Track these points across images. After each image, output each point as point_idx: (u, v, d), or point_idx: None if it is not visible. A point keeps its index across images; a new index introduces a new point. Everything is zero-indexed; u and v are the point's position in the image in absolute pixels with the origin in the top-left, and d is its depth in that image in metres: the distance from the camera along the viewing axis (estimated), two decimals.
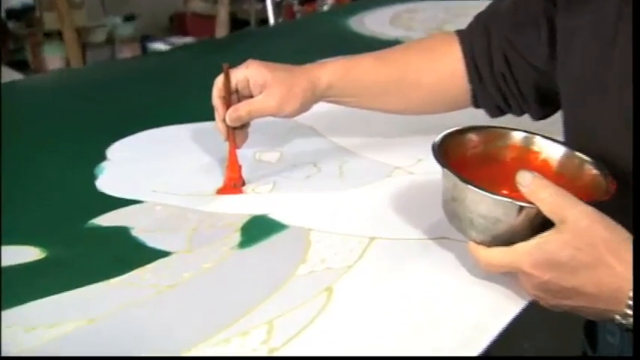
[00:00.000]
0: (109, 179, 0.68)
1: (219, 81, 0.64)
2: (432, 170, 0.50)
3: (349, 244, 0.56)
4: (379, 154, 0.73)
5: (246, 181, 0.66)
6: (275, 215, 0.61)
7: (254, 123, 0.67)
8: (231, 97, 0.64)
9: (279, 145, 0.76)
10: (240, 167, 0.65)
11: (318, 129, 0.80)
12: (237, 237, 0.57)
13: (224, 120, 0.64)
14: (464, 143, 0.53)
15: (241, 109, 0.64)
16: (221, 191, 0.65)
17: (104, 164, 0.71)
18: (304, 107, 0.65)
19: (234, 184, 0.65)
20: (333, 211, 0.62)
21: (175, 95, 0.92)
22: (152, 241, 0.57)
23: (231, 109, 0.64)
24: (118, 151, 0.75)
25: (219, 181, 0.67)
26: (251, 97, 0.64)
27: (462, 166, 0.49)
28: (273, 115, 0.65)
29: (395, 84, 0.66)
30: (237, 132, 0.65)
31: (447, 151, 0.50)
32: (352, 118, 0.78)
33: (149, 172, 0.70)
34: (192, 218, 0.61)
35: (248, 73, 0.63)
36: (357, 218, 0.60)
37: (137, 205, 0.63)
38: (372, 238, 0.56)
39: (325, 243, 0.56)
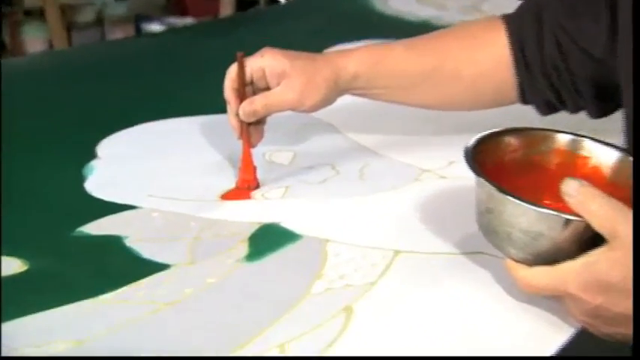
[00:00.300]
0: (99, 180, 0.68)
1: (232, 71, 0.65)
2: (467, 174, 0.50)
3: (371, 258, 0.56)
4: (406, 155, 0.73)
5: (260, 184, 0.66)
6: (287, 224, 0.61)
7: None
8: (246, 89, 0.65)
9: (292, 144, 0.76)
10: (255, 168, 0.66)
11: (337, 125, 0.80)
12: (244, 248, 0.58)
13: (237, 115, 0.65)
14: (501, 147, 0.53)
15: (257, 102, 0.64)
16: (229, 195, 0.65)
17: (93, 163, 0.72)
18: (327, 100, 0.66)
19: (247, 186, 0.66)
20: (353, 220, 0.62)
21: (174, 83, 0.93)
22: (148, 252, 0.57)
23: (245, 103, 0.64)
24: (110, 147, 0.75)
25: (225, 184, 0.67)
26: (267, 89, 0.65)
27: (499, 173, 0.49)
28: (292, 109, 0.65)
29: (430, 75, 0.67)
30: (251, 128, 0.66)
31: (482, 157, 0.50)
32: (376, 114, 0.78)
33: (145, 172, 0.70)
34: (194, 226, 0.61)
35: (264, 62, 0.64)
36: (380, 228, 0.61)
37: (131, 211, 0.63)
38: (397, 252, 0.57)
39: (344, 256, 0.57)
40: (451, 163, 0.71)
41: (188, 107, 0.83)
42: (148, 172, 0.70)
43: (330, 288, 0.52)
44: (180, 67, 0.99)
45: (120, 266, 0.55)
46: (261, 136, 0.67)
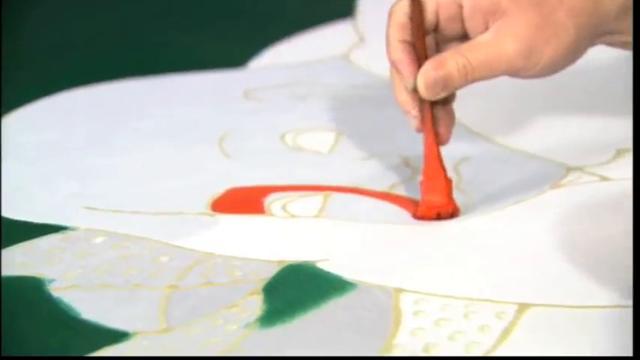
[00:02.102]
0: (5, 183, 0.68)
1: (401, 11, 0.62)
2: None
3: (479, 317, 0.53)
4: (537, 143, 0.72)
5: (460, 208, 0.64)
6: (329, 264, 0.59)
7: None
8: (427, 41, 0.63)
9: (330, 118, 0.77)
10: (450, 181, 0.63)
11: None
12: (256, 305, 0.55)
13: (413, 88, 0.62)
14: None
15: (450, 62, 0.61)
16: (420, 214, 0.64)
17: None
18: (576, 52, 0.63)
19: (435, 214, 0.63)
20: (445, 256, 0.60)
21: (132, 18, 1.00)
22: (90, 310, 0.54)
23: (428, 65, 0.61)
24: (21, 127, 0.77)
25: (220, 183, 0.67)
26: (465, 38, 0.63)
27: None
28: (513, 73, 0.63)
29: None
30: (439, 111, 0.63)
31: None
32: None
33: (80, 169, 0.71)
34: (168, 265, 0.59)
35: None
36: (494, 268, 0.59)
37: (58, 236, 0.62)
38: (524, 306, 0.54)
39: (430, 315, 0.54)
40: (618, 153, 0.69)
41: (154, 59, 0.89)
42: (84, 168, 0.71)
43: None
44: None
45: (39, 333, 0.53)
46: (452, 122, 0.64)
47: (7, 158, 0.72)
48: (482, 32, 0.62)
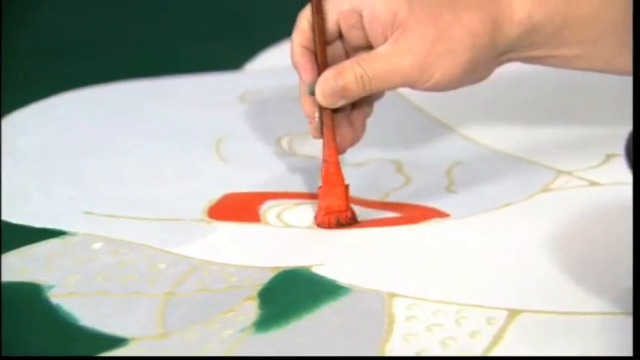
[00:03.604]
0: (3, 187, 0.68)
1: (304, 19, 0.62)
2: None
3: (469, 322, 0.53)
4: (527, 147, 0.72)
5: (357, 216, 0.64)
6: (324, 268, 0.59)
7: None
8: (328, 49, 0.63)
9: None
10: (346, 187, 0.63)
11: (411, 97, 0.80)
12: (252, 310, 0.55)
13: (313, 93, 0.62)
14: None
15: (347, 72, 0.61)
16: (320, 221, 0.63)
17: None
18: (472, 71, 0.62)
19: (335, 219, 0.63)
20: (437, 261, 0.60)
21: (128, 20, 1.00)
22: (88, 316, 0.54)
23: (327, 74, 0.61)
24: (18, 129, 0.76)
25: (217, 189, 0.67)
26: (367, 48, 0.62)
27: None
28: (409, 85, 0.62)
29: None
30: (341, 119, 0.63)
31: None
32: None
33: (79, 172, 0.70)
34: (166, 271, 0.59)
35: (360, 1, 0.61)
36: (484, 273, 0.58)
37: (57, 241, 0.62)
38: (514, 312, 0.54)
39: (421, 321, 0.53)
40: (608, 158, 0.69)
41: (151, 62, 0.88)
42: (82, 172, 0.70)
43: None
44: None
45: (39, 340, 0.53)
46: (358, 132, 0.64)
47: (6, 161, 0.72)
48: (382, 42, 0.61)
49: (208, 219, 0.64)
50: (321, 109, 0.62)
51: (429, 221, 0.64)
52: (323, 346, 0.52)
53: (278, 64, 0.90)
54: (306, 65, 0.63)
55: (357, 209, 0.65)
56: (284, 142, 0.73)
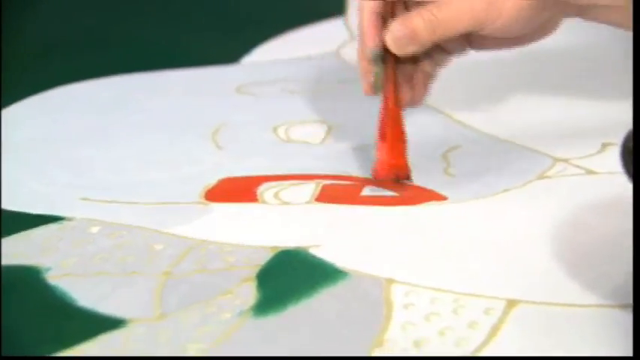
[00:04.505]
0: (1, 175, 0.68)
1: None
2: None
3: (467, 312, 0.53)
4: (524, 133, 0.72)
5: (410, 174, 0.64)
6: (321, 250, 0.58)
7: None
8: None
9: (324, 112, 0.76)
10: (405, 143, 0.64)
11: None
12: (250, 292, 0.55)
13: (374, 57, 0.63)
14: None
15: (416, 17, 0.61)
16: (381, 175, 0.64)
17: None
18: (541, 10, 0.62)
19: (395, 174, 0.64)
20: (435, 246, 0.59)
21: (125, 15, 1.01)
22: (85, 297, 0.54)
23: (396, 22, 0.62)
24: (17, 121, 0.76)
25: (213, 173, 0.67)
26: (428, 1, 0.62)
27: None
28: (477, 26, 0.62)
29: None
30: (403, 75, 0.64)
31: None
32: (480, 63, 0.77)
33: (76, 160, 0.71)
34: (162, 252, 0.58)
35: None
36: (482, 261, 0.58)
37: (54, 226, 0.62)
38: (512, 302, 0.53)
39: (420, 309, 0.53)
40: (604, 147, 0.69)
41: (148, 55, 0.89)
42: (79, 160, 0.71)
43: None
44: None
45: (36, 320, 0.53)
46: (418, 94, 0.66)
47: (4, 152, 0.72)
48: None
49: (205, 201, 0.65)
50: (385, 63, 0.63)
51: (427, 203, 0.64)
52: (319, 333, 0.52)
53: (274, 57, 0.92)
54: (373, 29, 0.63)
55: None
56: (280, 131, 0.74)
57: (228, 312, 0.53)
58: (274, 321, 0.53)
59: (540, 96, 0.80)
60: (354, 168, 0.69)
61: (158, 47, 0.93)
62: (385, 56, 0.64)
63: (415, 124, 0.71)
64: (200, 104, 0.79)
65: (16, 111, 0.79)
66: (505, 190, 0.66)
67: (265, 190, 0.66)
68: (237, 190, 0.66)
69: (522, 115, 0.77)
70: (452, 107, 0.77)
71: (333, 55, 0.91)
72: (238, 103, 0.80)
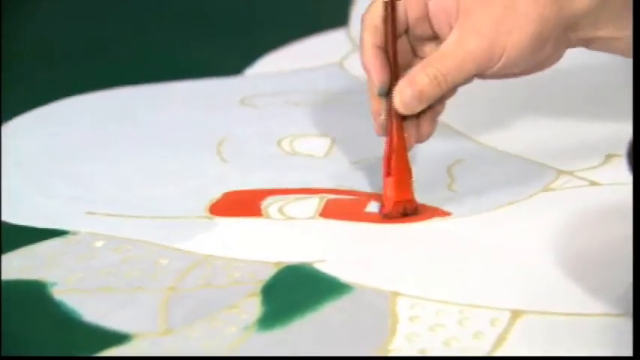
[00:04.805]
0: (5, 189, 0.67)
1: (375, 14, 0.62)
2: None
3: (472, 323, 0.53)
4: (528, 146, 0.72)
5: (418, 208, 0.64)
6: (326, 265, 0.58)
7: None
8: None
9: (325, 124, 0.76)
10: (411, 177, 0.63)
11: None
12: (255, 307, 0.54)
13: (382, 94, 0.62)
14: None
15: (420, 76, 0.60)
16: (388, 211, 0.63)
17: None
18: (542, 45, 0.62)
19: (402, 209, 0.63)
20: (439, 260, 0.59)
21: (128, 26, 0.99)
22: (91, 312, 0.54)
23: (402, 84, 0.61)
24: (20, 134, 0.76)
25: (217, 187, 0.67)
26: (433, 39, 0.63)
27: None
28: (481, 71, 0.61)
29: None
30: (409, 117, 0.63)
31: None
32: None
33: (81, 174, 0.70)
34: (168, 267, 0.58)
35: None
36: (488, 273, 0.58)
37: (60, 240, 0.61)
38: (517, 313, 0.53)
39: (425, 321, 0.53)
40: (608, 158, 0.69)
41: (151, 67, 0.88)
42: (84, 174, 0.70)
43: None
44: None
45: (42, 335, 0.53)
46: (432, 125, 0.64)
47: (8, 165, 0.72)
48: (446, 33, 0.61)
49: (210, 215, 0.64)
50: (391, 109, 0.62)
51: (430, 220, 0.64)
52: (326, 347, 0.52)
53: (277, 68, 0.91)
54: (378, 66, 0.62)
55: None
56: (285, 143, 0.74)
57: (234, 326, 0.53)
58: (280, 334, 0.52)
59: (543, 109, 0.80)
60: (358, 182, 0.69)
61: (161, 58, 0.92)
62: (389, 91, 0.63)
63: None
64: (204, 117, 0.79)
65: (19, 124, 0.79)
66: (510, 203, 0.66)
67: (270, 205, 0.65)
68: (241, 204, 0.66)
69: (526, 127, 0.76)
70: (456, 121, 0.77)
71: (337, 66, 0.90)
72: (242, 115, 0.79)
